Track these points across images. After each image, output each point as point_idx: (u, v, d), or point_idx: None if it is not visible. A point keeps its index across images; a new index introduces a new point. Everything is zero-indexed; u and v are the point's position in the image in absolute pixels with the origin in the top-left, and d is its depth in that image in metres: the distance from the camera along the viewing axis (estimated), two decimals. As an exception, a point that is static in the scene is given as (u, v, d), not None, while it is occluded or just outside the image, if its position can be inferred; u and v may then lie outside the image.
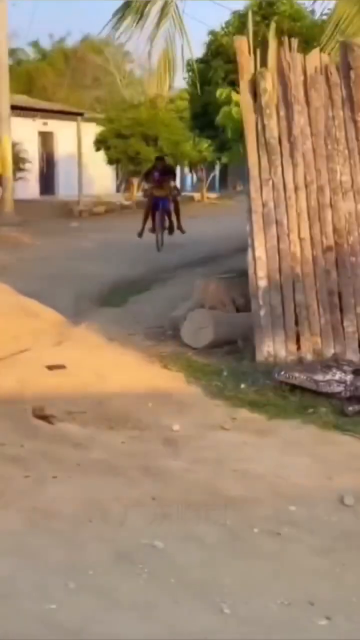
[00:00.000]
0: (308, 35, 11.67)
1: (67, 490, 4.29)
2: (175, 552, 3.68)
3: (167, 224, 16.19)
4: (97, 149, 25.81)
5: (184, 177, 37.21)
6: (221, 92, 8.36)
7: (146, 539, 3.75)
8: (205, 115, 12.06)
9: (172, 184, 16.58)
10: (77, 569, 3.49)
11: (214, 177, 32.58)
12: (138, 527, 3.90)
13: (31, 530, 3.85)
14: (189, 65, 11.04)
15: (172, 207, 16.29)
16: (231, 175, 34.40)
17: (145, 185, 17.22)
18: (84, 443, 5.08)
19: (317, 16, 12.12)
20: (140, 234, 15.87)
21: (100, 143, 25.50)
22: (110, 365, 6.80)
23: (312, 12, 13.33)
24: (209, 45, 13.33)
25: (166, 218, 16.17)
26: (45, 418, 5.48)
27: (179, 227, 16.37)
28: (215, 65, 12.07)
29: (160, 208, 15.98)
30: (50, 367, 6.65)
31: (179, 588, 3.38)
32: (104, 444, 5.09)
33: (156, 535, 3.79)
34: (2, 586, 3.34)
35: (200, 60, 15.20)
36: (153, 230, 15.89)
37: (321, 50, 7.03)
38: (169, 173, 16.98)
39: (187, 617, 3.18)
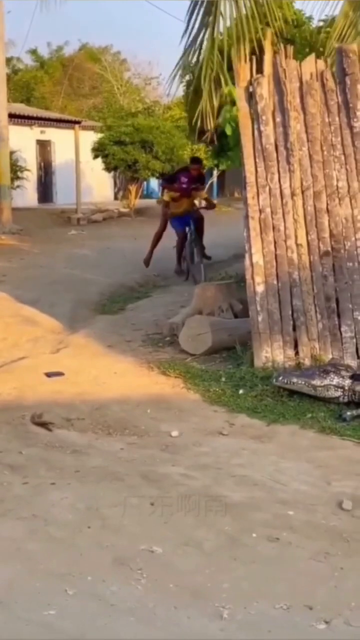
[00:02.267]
0: (311, 41, 11.72)
1: (66, 497, 4.30)
2: (174, 557, 3.68)
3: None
4: (95, 157, 25.85)
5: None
6: (229, 91, 8.25)
7: (145, 545, 3.76)
8: (203, 120, 12.03)
9: (203, 194, 12.75)
10: (76, 575, 3.50)
11: (212, 184, 32.60)
12: (137, 532, 3.90)
13: (30, 536, 3.86)
14: (187, 69, 11.04)
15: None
16: (229, 182, 34.45)
17: (165, 195, 12.73)
18: (82, 450, 5.09)
19: (315, 23, 12.16)
20: (147, 262, 12.70)
21: (98, 151, 25.51)
22: (109, 372, 6.82)
23: (310, 18, 13.39)
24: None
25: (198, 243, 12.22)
26: (43, 425, 5.50)
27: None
28: None
29: (191, 231, 12.21)
30: (48, 374, 6.68)
31: (178, 593, 3.39)
32: (103, 451, 5.10)
33: (155, 540, 3.80)
34: (1, 592, 3.34)
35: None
36: (180, 269, 12.26)
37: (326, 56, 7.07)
38: (202, 181, 12.84)
39: (186, 622, 3.18)
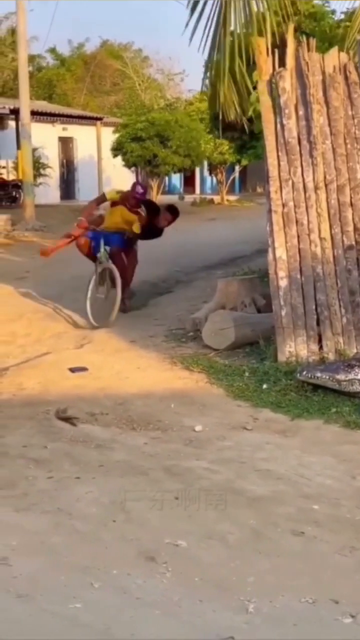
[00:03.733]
0: (331, 35, 11.65)
1: (91, 491, 4.31)
2: (199, 551, 3.68)
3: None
4: (114, 156, 25.88)
5: (204, 179, 37.23)
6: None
7: (169, 539, 3.76)
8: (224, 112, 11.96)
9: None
10: (101, 569, 3.50)
11: (233, 179, 32.54)
12: (161, 526, 3.91)
13: (55, 530, 3.87)
14: (208, 65, 10.98)
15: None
16: (251, 177, 34.37)
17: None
18: (106, 444, 5.11)
19: (337, 16, 12.08)
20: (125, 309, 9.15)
21: (117, 150, 25.51)
22: (132, 367, 6.83)
23: (333, 12, 13.30)
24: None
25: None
26: (67, 420, 5.52)
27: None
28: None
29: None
30: (72, 370, 6.70)
31: (203, 587, 3.38)
32: (127, 445, 5.11)
33: (179, 534, 3.80)
34: (27, 585, 3.36)
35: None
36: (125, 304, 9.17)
37: (348, 48, 7.03)
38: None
39: (211, 615, 3.18)
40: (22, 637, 3.02)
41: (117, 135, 25.96)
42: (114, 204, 9.39)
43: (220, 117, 8.30)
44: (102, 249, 9.13)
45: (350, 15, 9.50)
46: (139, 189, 9.41)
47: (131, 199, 9.28)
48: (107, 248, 9.14)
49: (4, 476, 4.52)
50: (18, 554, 3.61)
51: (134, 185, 9.60)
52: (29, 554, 3.64)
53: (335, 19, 12.24)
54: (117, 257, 9.16)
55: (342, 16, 10.91)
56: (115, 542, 3.75)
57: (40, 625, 3.11)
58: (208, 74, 9.43)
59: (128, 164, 26.05)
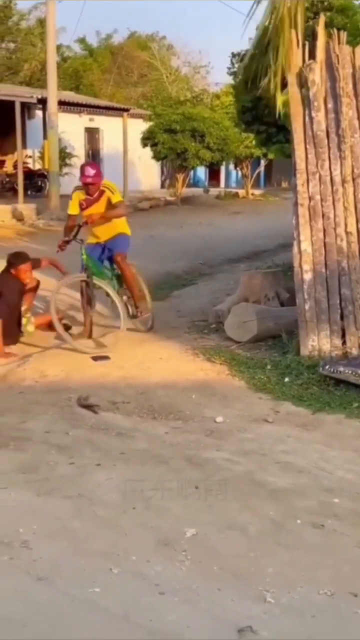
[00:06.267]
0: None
1: (111, 478, 4.33)
2: (218, 540, 3.69)
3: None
4: (144, 145, 25.79)
5: (229, 173, 37.15)
6: None
7: (189, 527, 3.77)
8: (253, 109, 11.95)
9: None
10: (120, 555, 3.52)
11: (259, 174, 32.43)
12: (181, 515, 3.92)
13: (76, 515, 3.89)
14: (236, 58, 10.96)
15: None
16: (276, 172, 34.25)
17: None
18: (127, 432, 5.13)
19: None
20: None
21: (148, 139, 25.41)
22: (154, 357, 6.85)
23: None
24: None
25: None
26: (89, 407, 5.55)
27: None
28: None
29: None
30: (95, 358, 6.74)
31: (222, 576, 3.39)
32: (147, 434, 5.12)
33: (199, 523, 3.81)
34: (47, 569, 3.38)
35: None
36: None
37: None
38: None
39: (229, 604, 3.18)
40: (41, 619, 3.04)
41: (149, 124, 25.80)
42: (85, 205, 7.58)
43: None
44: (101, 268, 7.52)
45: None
46: (88, 171, 7.39)
47: (86, 188, 7.47)
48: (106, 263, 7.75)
49: (27, 461, 4.56)
50: (39, 538, 3.64)
51: (82, 168, 7.56)
52: (49, 538, 3.66)
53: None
54: (124, 265, 7.71)
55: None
56: (135, 529, 3.77)
57: (59, 608, 3.13)
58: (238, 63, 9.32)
59: (158, 156, 25.86)
